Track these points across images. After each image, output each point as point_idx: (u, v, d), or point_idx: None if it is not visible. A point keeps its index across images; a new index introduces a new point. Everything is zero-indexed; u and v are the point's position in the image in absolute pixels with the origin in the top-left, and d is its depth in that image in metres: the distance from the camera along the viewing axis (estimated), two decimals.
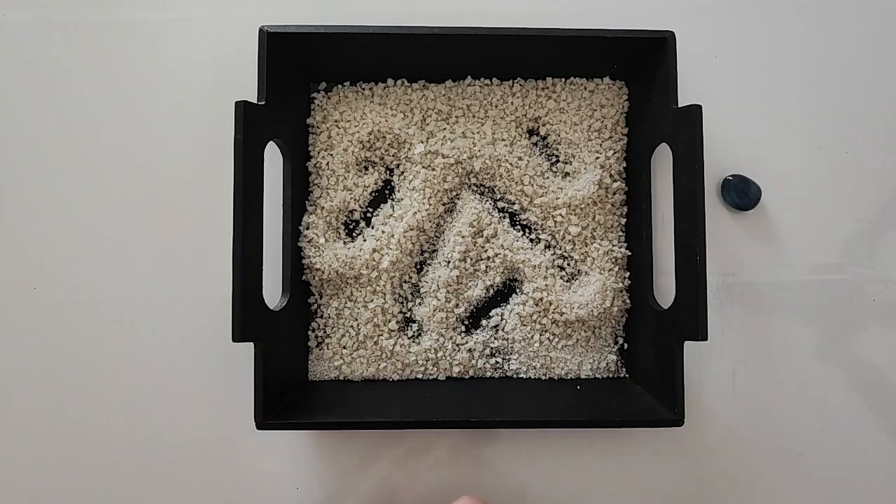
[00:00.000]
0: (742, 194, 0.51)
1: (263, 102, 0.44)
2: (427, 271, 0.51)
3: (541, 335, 0.50)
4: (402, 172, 0.51)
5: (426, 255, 0.51)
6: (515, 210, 0.52)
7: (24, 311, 0.50)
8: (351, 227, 0.51)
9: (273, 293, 0.48)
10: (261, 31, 0.45)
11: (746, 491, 0.50)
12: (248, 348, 0.44)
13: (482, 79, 0.52)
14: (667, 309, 0.46)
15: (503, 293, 0.51)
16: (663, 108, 0.46)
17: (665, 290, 0.50)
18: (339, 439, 0.50)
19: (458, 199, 0.51)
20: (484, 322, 0.51)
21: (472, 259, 0.50)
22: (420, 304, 0.51)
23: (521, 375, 0.51)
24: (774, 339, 0.51)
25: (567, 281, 0.51)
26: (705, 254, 0.42)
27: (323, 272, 0.49)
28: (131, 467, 0.50)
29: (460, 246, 0.50)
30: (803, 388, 0.51)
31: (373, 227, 0.51)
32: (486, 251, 0.50)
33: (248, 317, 0.42)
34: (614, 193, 0.51)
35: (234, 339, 0.42)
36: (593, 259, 0.50)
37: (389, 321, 0.50)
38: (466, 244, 0.50)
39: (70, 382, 0.50)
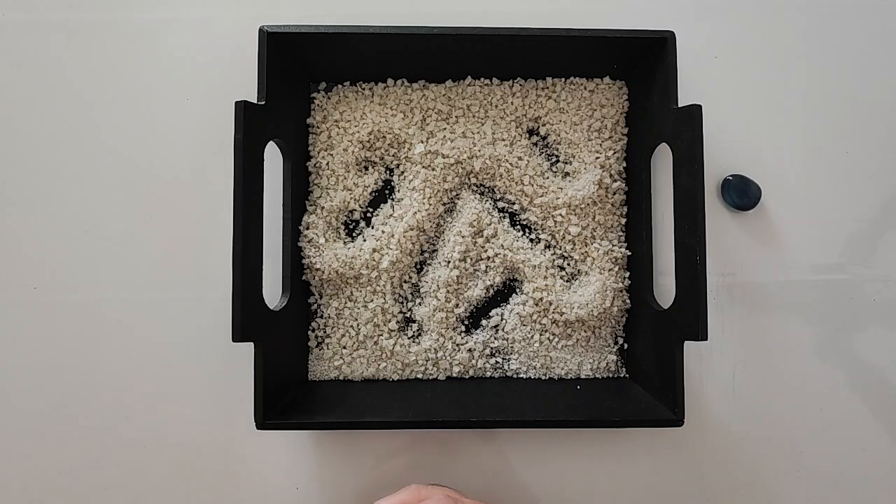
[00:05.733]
0: (742, 194, 0.51)
1: (263, 102, 0.44)
2: (427, 271, 0.51)
3: (541, 335, 0.50)
4: (402, 172, 0.51)
5: (426, 255, 0.51)
6: (515, 210, 0.52)
7: (24, 311, 0.50)
8: (351, 227, 0.51)
9: (273, 293, 0.48)
10: (261, 31, 0.45)
11: (746, 491, 0.50)
12: (248, 348, 0.44)
13: (482, 79, 0.52)
14: (667, 309, 0.46)
15: (503, 293, 0.51)
16: (663, 108, 0.46)
17: (665, 290, 0.50)
18: (339, 439, 0.50)
19: (458, 199, 0.51)
20: (484, 322, 0.51)
21: (472, 259, 0.50)
22: (420, 304, 0.51)
23: (521, 375, 0.51)
24: (774, 339, 0.51)
25: (567, 281, 0.51)
26: (705, 254, 0.42)
27: (323, 272, 0.49)
28: (131, 467, 0.50)
29: (460, 246, 0.50)
30: (803, 388, 0.51)
31: (373, 227, 0.51)
32: (486, 251, 0.50)
33: (248, 317, 0.42)
34: (614, 193, 0.51)
35: (234, 339, 0.41)
36: (593, 259, 0.50)
37: (389, 321, 0.50)
38: (466, 244, 0.50)
39: (70, 382, 0.50)
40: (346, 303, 0.50)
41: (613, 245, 0.51)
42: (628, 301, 0.51)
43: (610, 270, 0.50)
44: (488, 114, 0.51)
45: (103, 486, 0.50)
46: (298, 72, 0.50)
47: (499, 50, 0.48)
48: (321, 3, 0.53)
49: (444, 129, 0.51)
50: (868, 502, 0.51)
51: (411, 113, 0.51)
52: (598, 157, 0.51)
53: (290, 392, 0.48)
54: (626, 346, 0.51)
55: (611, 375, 0.51)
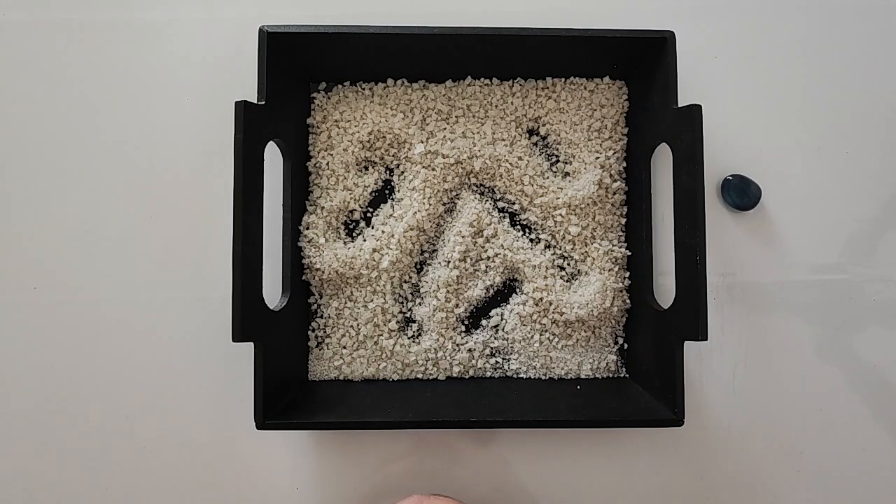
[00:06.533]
0: (742, 194, 0.51)
1: (263, 102, 0.44)
2: (427, 271, 0.51)
3: (541, 335, 0.50)
4: (402, 172, 0.51)
5: (426, 255, 0.51)
6: (515, 210, 0.52)
7: (24, 311, 0.50)
8: (351, 227, 0.51)
9: (273, 293, 0.48)
10: (261, 31, 0.45)
11: (746, 491, 0.51)
12: (248, 348, 0.44)
13: (482, 79, 0.52)
14: (667, 309, 0.46)
15: (503, 293, 0.51)
16: (663, 108, 0.46)
17: (665, 290, 0.50)
18: (339, 439, 0.50)
19: (458, 199, 0.51)
20: (484, 322, 0.51)
21: (472, 259, 0.50)
22: (420, 304, 0.51)
23: (521, 375, 0.51)
24: (774, 339, 0.51)
25: (567, 281, 0.51)
26: (705, 254, 0.42)
27: (323, 272, 0.49)
28: (131, 467, 0.50)
29: (460, 246, 0.50)
30: (803, 388, 0.51)
31: (373, 227, 0.51)
32: (486, 251, 0.50)
33: (248, 317, 0.42)
34: (614, 193, 0.51)
35: (234, 339, 0.42)
36: (593, 259, 0.50)
37: (389, 321, 0.50)
38: (466, 244, 0.50)
39: (70, 382, 0.50)
40: (346, 303, 0.50)
41: (613, 245, 0.51)
42: (628, 301, 0.51)
43: (610, 270, 0.50)
44: (488, 114, 0.51)
45: (103, 486, 0.50)
46: (298, 72, 0.50)
47: (499, 50, 0.48)
48: (321, 3, 0.53)
49: (444, 129, 0.51)
50: (868, 502, 0.51)
51: (411, 113, 0.51)
52: (598, 157, 0.51)
53: (290, 392, 0.48)
54: (626, 346, 0.51)
55: (611, 375, 0.51)
